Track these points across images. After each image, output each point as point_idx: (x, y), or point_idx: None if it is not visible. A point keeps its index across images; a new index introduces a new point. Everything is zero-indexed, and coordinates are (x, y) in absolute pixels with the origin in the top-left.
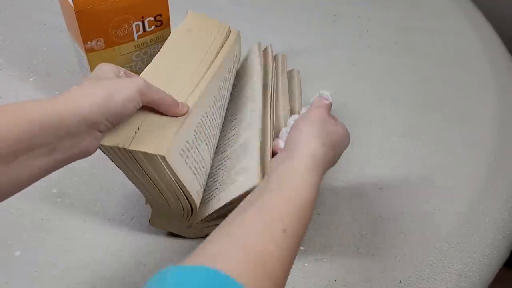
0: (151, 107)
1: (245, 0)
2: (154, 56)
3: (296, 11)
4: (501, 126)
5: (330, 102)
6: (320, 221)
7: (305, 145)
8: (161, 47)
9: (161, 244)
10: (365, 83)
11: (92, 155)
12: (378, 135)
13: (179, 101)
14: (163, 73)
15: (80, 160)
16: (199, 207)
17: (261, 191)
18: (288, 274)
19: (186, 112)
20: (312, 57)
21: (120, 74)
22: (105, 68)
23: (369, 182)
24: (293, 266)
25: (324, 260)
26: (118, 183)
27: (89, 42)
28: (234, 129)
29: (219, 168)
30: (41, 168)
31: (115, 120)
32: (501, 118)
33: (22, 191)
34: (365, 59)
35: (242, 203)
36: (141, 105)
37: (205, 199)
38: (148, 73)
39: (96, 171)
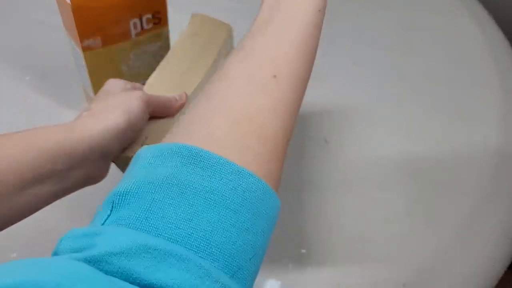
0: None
1: None
2: (151, 54)
3: None
4: (506, 125)
5: None
6: (323, 224)
7: None
8: (159, 44)
9: None
10: (367, 82)
11: None
12: (381, 135)
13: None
14: (171, 80)
15: None
16: None
17: (246, 35)
18: (287, 133)
19: (185, 101)
20: None
21: (128, 87)
22: (113, 84)
23: (371, 183)
24: (295, 268)
25: (327, 263)
26: None
27: (85, 40)
28: None
29: None
30: (49, 197)
31: (126, 143)
32: (506, 117)
33: None
34: (367, 58)
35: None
36: (147, 116)
37: None
38: (156, 80)
39: None
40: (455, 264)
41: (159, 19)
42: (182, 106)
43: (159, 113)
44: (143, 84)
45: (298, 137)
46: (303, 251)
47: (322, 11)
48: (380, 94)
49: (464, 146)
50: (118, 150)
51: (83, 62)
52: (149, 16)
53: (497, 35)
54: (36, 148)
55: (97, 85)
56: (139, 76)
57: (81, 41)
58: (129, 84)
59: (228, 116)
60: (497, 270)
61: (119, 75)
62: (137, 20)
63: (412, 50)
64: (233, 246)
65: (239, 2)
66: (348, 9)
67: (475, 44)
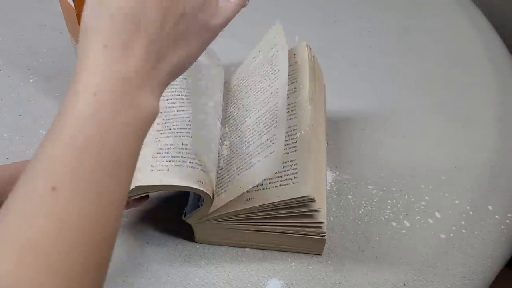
0: None
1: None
2: None
3: (296, 12)
4: (504, 126)
5: None
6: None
7: (85, 71)
8: None
9: (162, 246)
10: (366, 84)
11: None
12: (380, 136)
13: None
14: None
15: None
16: (218, 198)
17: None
18: (95, 258)
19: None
20: None
21: None
22: None
23: (371, 184)
24: (296, 268)
25: (329, 262)
26: None
27: None
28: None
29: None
30: None
31: None
32: (504, 118)
33: None
34: (366, 60)
35: None
36: None
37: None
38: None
39: None
40: (455, 264)
41: None
42: None
43: None
44: None
45: None
46: None
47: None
48: (379, 95)
49: (462, 146)
50: None
51: None
52: None
53: (494, 38)
54: None
55: None
56: None
57: None
58: None
59: (11, 246)
60: (495, 269)
61: None
62: None
63: (411, 52)
64: None
65: None
66: (348, 11)
67: (473, 46)
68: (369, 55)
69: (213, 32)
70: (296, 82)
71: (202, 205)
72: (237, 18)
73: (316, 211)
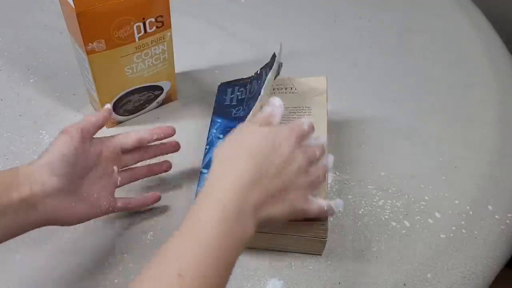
0: None
1: (245, 0)
2: (154, 58)
3: (296, 12)
4: (504, 126)
5: (272, 112)
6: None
7: (218, 189)
8: (162, 47)
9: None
10: (366, 84)
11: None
12: (380, 136)
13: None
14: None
15: None
16: None
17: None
18: None
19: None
20: (313, 58)
21: None
22: None
23: (371, 184)
24: (296, 268)
25: (329, 262)
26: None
27: (90, 44)
28: None
29: None
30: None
31: (64, 169)
32: (503, 118)
33: None
34: (366, 60)
35: None
36: (78, 140)
37: None
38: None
39: None
40: (455, 264)
41: (162, 22)
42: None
43: (91, 131)
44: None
45: None
46: None
47: (230, 225)
48: (379, 95)
49: (462, 146)
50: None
51: (87, 65)
52: (152, 19)
53: (494, 38)
54: None
55: (101, 88)
56: (143, 79)
57: (85, 44)
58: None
59: None
60: (495, 269)
61: (122, 78)
62: (140, 24)
63: (410, 52)
64: None
65: (239, 5)
66: (348, 11)
67: (472, 46)
68: (369, 55)
69: (302, 214)
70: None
71: None
72: (237, 18)
73: None
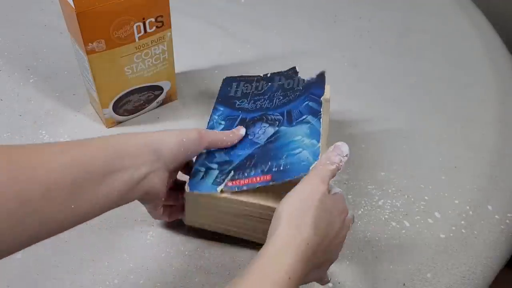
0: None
1: (245, 0)
2: (154, 58)
3: (296, 12)
4: (503, 126)
5: (339, 166)
6: None
7: (283, 248)
8: (162, 47)
9: (163, 246)
10: (366, 84)
11: None
12: (380, 136)
13: None
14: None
15: None
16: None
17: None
18: None
19: (240, 135)
20: (313, 58)
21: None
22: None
23: (372, 184)
24: None
25: None
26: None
27: (90, 44)
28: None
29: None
30: (118, 194)
31: (178, 158)
32: (503, 118)
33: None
34: (366, 60)
35: None
36: (202, 147)
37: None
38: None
39: None
40: (454, 264)
41: (162, 22)
42: (237, 138)
43: (215, 145)
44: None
45: None
46: None
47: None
48: (379, 95)
49: (462, 146)
50: (171, 161)
51: (87, 65)
52: (152, 19)
53: (494, 38)
54: (110, 145)
55: (101, 88)
56: (143, 79)
57: (85, 44)
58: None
59: None
60: (495, 269)
61: (122, 78)
62: (140, 24)
63: (410, 52)
64: None
65: (239, 5)
66: (348, 11)
67: (472, 46)
68: (369, 55)
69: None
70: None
71: (223, 189)
72: (237, 18)
73: None
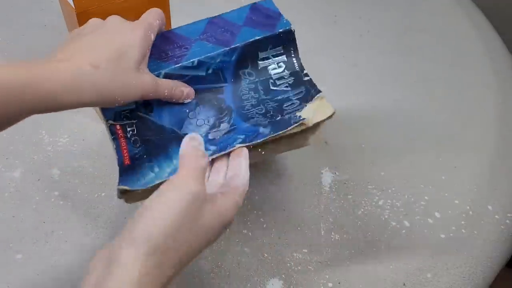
0: None
1: (244, 0)
2: None
3: (296, 12)
4: (504, 126)
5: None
6: (324, 224)
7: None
8: None
9: None
10: (366, 84)
11: (95, 157)
12: (380, 136)
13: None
14: None
15: (82, 162)
16: None
17: None
18: None
19: (187, 101)
20: (313, 58)
21: (147, 51)
22: (131, 55)
23: (371, 184)
24: (296, 268)
25: (329, 263)
26: None
27: None
28: None
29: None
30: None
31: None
32: (503, 118)
33: (24, 194)
34: (366, 60)
35: None
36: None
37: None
38: None
39: (99, 173)
40: (454, 264)
41: None
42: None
43: (167, 99)
44: None
45: None
46: (305, 250)
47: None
48: (379, 95)
49: (462, 146)
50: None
51: None
52: None
53: (494, 38)
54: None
55: None
56: None
57: None
58: (152, 34)
59: None
60: (495, 269)
61: None
62: None
63: (410, 52)
64: None
65: (239, 5)
66: (348, 11)
67: (473, 46)
68: (369, 55)
69: None
70: None
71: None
72: None
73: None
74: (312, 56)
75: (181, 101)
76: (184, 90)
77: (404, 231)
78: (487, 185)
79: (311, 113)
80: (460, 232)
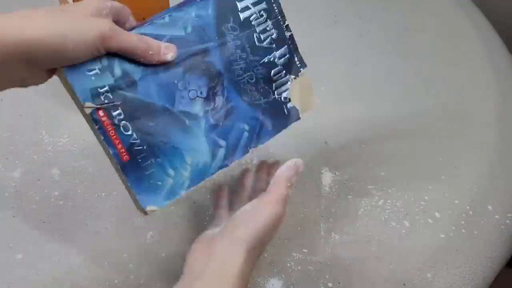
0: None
1: None
2: None
3: (296, 12)
4: (503, 126)
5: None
6: (324, 224)
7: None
8: None
9: (163, 246)
10: (366, 84)
11: (95, 157)
12: (380, 136)
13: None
14: None
15: (82, 162)
16: None
17: None
18: None
19: (170, 57)
20: (313, 58)
21: (103, 13)
22: (87, 2)
23: (371, 184)
24: (296, 268)
25: (329, 263)
26: (121, 186)
27: None
28: None
29: None
30: None
31: (62, 62)
32: (503, 118)
33: (24, 194)
34: (366, 60)
35: None
36: (102, 52)
37: None
38: None
39: (99, 173)
40: (454, 264)
41: None
42: (163, 61)
43: (129, 55)
44: None
45: (299, 138)
46: (305, 250)
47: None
48: (379, 95)
49: (462, 146)
50: (49, 66)
51: None
52: None
53: (494, 38)
54: None
55: None
56: None
57: None
58: (107, 10)
59: None
60: (495, 269)
61: None
62: None
63: (410, 52)
64: None
65: None
66: (348, 11)
67: (472, 46)
68: (369, 55)
69: None
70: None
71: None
72: None
73: None
74: (312, 56)
75: (161, 59)
76: (153, 44)
77: (404, 231)
78: (487, 185)
79: (297, 96)
80: (460, 232)
